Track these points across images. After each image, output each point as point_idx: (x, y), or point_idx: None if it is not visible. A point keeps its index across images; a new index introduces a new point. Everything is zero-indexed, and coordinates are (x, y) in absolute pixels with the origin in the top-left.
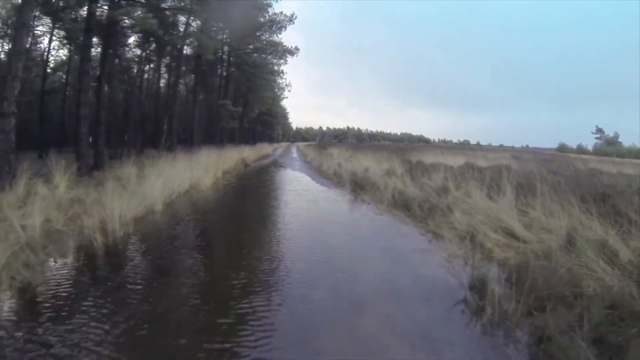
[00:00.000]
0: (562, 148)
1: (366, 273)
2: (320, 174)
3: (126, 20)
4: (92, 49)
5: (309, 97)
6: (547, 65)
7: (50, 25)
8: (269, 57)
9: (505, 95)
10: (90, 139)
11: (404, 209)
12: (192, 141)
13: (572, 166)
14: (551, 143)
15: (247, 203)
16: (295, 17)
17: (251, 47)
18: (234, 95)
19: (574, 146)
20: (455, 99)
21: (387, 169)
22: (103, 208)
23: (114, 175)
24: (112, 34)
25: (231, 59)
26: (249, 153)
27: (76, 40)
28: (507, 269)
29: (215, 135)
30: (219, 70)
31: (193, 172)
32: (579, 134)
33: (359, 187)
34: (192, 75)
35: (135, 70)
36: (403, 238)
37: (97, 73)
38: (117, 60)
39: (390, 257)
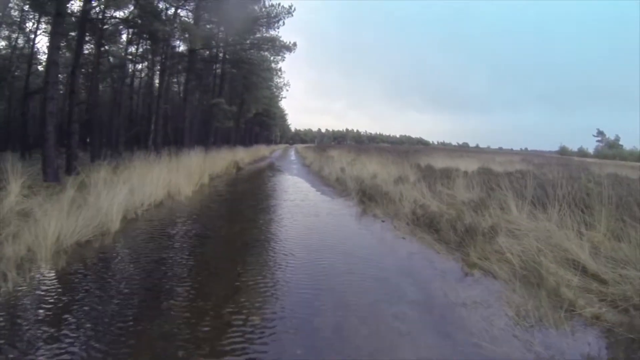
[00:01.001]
0: (563, 151)
1: None
2: (321, 180)
3: (116, 14)
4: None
5: (308, 99)
6: (546, 68)
7: (37, 20)
8: (266, 53)
9: (504, 97)
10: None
11: (429, 229)
12: (182, 142)
13: (587, 171)
14: (549, 146)
15: (230, 220)
16: (294, 10)
17: (247, 42)
18: (229, 94)
19: (575, 149)
20: (454, 101)
21: (398, 175)
22: (45, 226)
23: (82, 180)
24: (87, 20)
25: (227, 56)
26: (243, 155)
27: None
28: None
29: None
30: (214, 69)
31: (173, 177)
32: (577, 137)
33: (367, 197)
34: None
35: (129, 69)
36: (442, 279)
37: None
38: (110, 58)
39: (433, 322)
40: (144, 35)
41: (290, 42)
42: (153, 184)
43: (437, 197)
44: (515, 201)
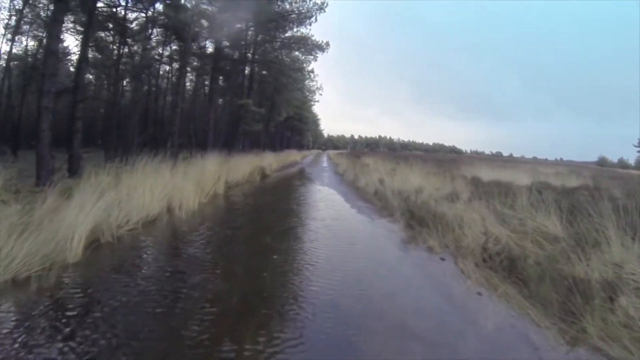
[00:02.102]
0: (602, 162)
1: None
2: (356, 192)
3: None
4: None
5: (341, 105)
6: (582, 74)
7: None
8: (297, 53)
9: (537, 106)
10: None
11: (510, 275)
12: (206, 145)
13: None
14: (586, 156)
15: (232, 255)
16: (326, 5)
17: (277, 41)
18: (259, 96)
19: (613, 159)
20: (487, 109)
21: (449, 191)
22: None
23: (79, 184)
24: (95, 9)
25: (256, 56)
26: (271, 160)
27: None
28: None
29: (237, 139)
30: (243, 69)
31: (180, 185)
32: (614, 147)
33: (417, 220)
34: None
35: (158, 70)
36: None
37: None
38: (136, 58)
39: None
40: (172, 36)
41: (322, 42)
42: (150, 194)
43: (502, 221)
44: (619, 234)
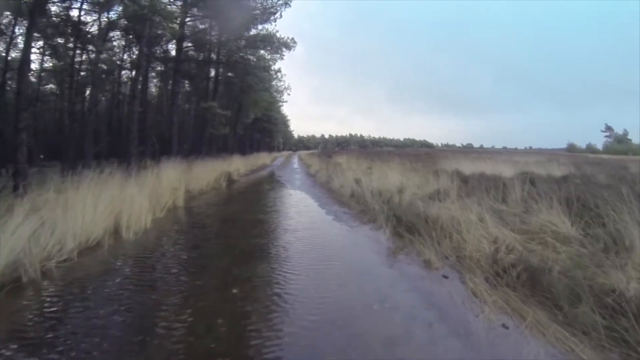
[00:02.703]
0: (571, 148)
1: None
2: (331, 195)
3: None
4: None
5: (311, 106)
6: (547, 67)
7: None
8: (262, 52)
9: (506, 97)
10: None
11: (533, 293)
12: (170, 151)
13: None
14: (554, 143)
15: (191, 280)
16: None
17: (243, 42)
18: (226, 98)
19: (583, 145)
20: (457, 103)
21: (435, 189)
22: None
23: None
24: (38, 6)
25: (221, 57)
26: (239, 164)
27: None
28: None
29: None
30: (208, 71)
31: (136, 198)
32: (581, 133)
33: (405, 226)
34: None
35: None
36: None
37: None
38: (100, 65)
39: None
40: (133, 40)
41: (288, 38)
42: (92, 212)
43: (501, 220)
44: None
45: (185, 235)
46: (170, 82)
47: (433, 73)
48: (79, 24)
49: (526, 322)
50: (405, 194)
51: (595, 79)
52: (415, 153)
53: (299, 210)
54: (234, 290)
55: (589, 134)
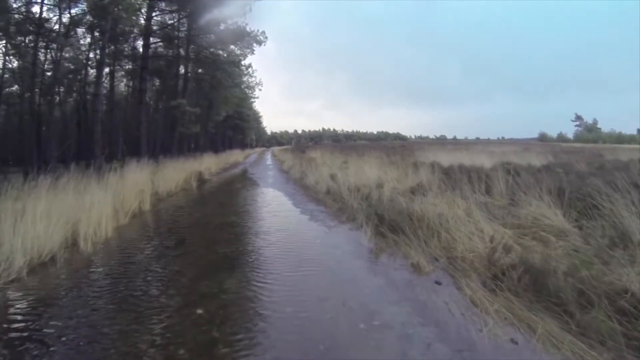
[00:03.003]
0: (543, 137)
1: None
2: (305, 192)
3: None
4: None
5: (282, 102)
6: (516, 59)
7: None
8: (232, 47)
9: (476, 88)
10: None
11: (538, 299)
12: (139, 152)
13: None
14: (526, 133)
15: (150, 298)
16: None
17: (212, 36)
18: (196, 96)
19: (554, 135)
20: (428, 95)
21: (415, 183)
22: None
23: None
24: None
25: (190, 53)
26: (211, 163)
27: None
28: None
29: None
30: (177, 68)
31: (97, 204)
32: (551, 123)
33: (387, 225)
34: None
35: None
36: None
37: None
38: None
39: None
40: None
41: (258, 31)
42: (46, 222)
43: (489, 214)
44: None
45: (149, 244)
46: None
47: (401, 66)
48: (40, 21)
49: (537, 335)
50: (385, 188)
51: (563, 71)
52: (390, 146)
53: (272, 210)
54: (199, 311)
55: (559, 124)
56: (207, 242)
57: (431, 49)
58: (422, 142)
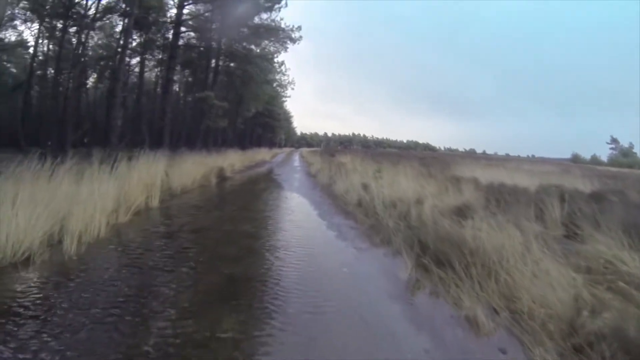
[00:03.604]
0: (576, 158)
1: None
2: (333, 201)
3: None
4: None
5: (315, 103)
6: (552, 74)
7: None
8: (265, 42)
9: (509, 103)
10: None
11: None
12: (161, 143)
13: None
14: (557, 153)
15: (130, 336)
16: None
17: (245, 30)
18: (226, 90)
19: (587, 156)
20: (460, 107)
21: (458, 201)
22: None
23: None
24: None
25: (222, 46)
26: (235, 160)
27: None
28: None
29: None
30: (208, 60)
31: (98, 196)
32: (585, 144)
33: (431, 254)
34: (181, 68)
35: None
36: None
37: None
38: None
39: None
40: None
41: (294, 27)
42: (29, 214)
43: (547, 248)
44: None
45: (142, 254)
46: (174, 71)
47: (435, 75)
48: (70, 3)
49: None
50: (425, 206)
51: (601, 90)
52: (421, 156)
53: (294, 221)
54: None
55: (592, 145)
56: (212, 257)
57: (466, 60)
58: (455, 155)
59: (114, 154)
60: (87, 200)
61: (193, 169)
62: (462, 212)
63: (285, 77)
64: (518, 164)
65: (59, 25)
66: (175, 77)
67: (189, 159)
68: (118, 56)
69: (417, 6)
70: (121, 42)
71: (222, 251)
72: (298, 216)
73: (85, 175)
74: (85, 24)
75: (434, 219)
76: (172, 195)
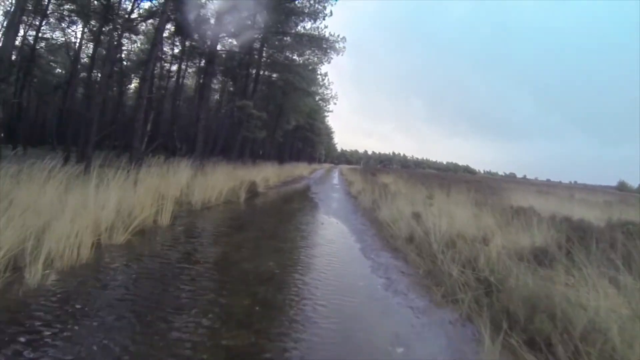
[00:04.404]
0: (622, 186)
1: None
2: (378, 232)
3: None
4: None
5: (355, 119)
6: (594, 96)
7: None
8: (308, 52)
9: (549, 125)
10: None
11: None
12: (193, 151)
13: None
14: (599, 179)
15: None
16: None
17: (288, 39)
18: (267, 101)
19: (634, 184)
20: (500, 128)
21: (533, 245)
22: None
23: None
24: None
25: (263, 53)
26: (270, 173)
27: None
28: None
29: (238, 147)
30: (247, 67)
31: (95, 207)
32: (628, 170)
33: (519, 329)
34: (222, 77)
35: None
36: None
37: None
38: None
39: None
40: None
41: (338, 37)
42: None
43: None
44: None
45: (123, 296)
46: (215, 80)
47: (475, 96)
48: (108, 4)
49: None
50: (492, 246)
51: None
52: (466, 179)
53: (330, 255)
54: None
55: (636, 171)
56: (215, 317)
57: (508, 80)
58: (497, 179)
59: (136, 159)
60: (76, 213)
61: (221, 181)
62: (538, 258)
63: (328, 91)
64: (569, 192)
65: (104, 29)
66: (216, 86)
67: (219, 170)
68: (168, 65)
69: (458, 25)
70: (172, 50)
71: (231, 304)
72: (335, 250)
73: (88, 180)
74: (123, 25)
75: (507, 267)
76: (189, 212)
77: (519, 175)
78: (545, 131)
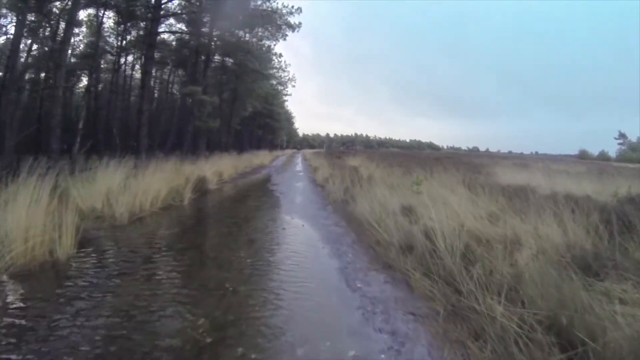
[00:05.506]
0: (583, 155)
1: None
2: (358, 236)
3: None
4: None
5: (316, 105)
6: (554, 71)
7: None
8: (261, 29)
9: (511, 101)
10: None
11: None
12: (138, 146)
13: None
14: (560, 149)
15: None
16: None
17: (240, 17)
18: (219, 87)
19: (595, 152)
20: (463, 107)
21: (566, 243)
22: None
23: None
24: None
25: (214, 35)
26: (226, 166)
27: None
28: None
29: (191, 139)
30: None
31: None
32: (589, 140)
33: None
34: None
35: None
36: None
37: None
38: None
39: None
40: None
41: (293, 9)
42: None
43: None
44: None
45: None
46: (168, 70)
47: (436, 76)
48: None
49: None
50: (524, 254)
51: (605, 85)
52: (435, 157)
53: (295, 297)
54: None
55: (598, 141)
56: None
57: (468, 60)
58: (462, 154)
59: (50, 163)
60: None
61: (161, 180)
62: (581, 261)
63: (285, 74)
64: (542, 164)
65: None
66: (171, 78)
67: (164, 167)
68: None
69: (418, 7)
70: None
71: None
72: (301, 279)
73: None
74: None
75: (558, 285)
76: (113, 227)
77: (482, 149)
78: (509, 107)
